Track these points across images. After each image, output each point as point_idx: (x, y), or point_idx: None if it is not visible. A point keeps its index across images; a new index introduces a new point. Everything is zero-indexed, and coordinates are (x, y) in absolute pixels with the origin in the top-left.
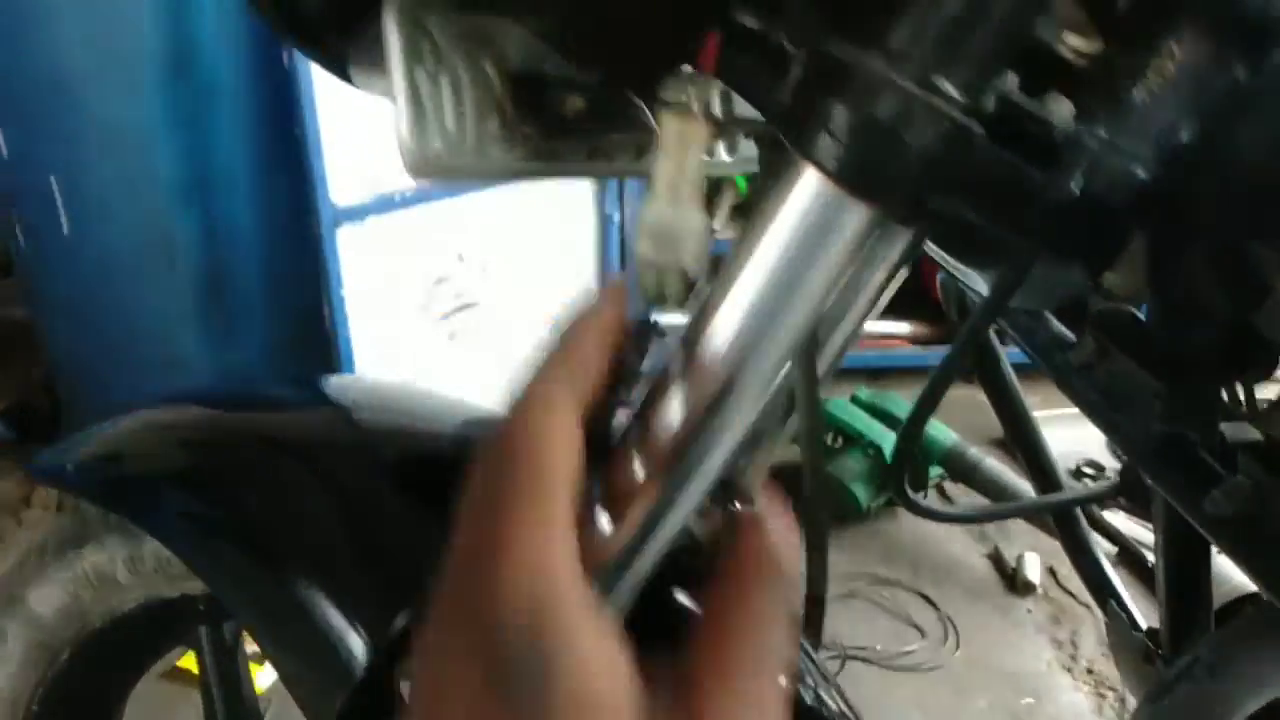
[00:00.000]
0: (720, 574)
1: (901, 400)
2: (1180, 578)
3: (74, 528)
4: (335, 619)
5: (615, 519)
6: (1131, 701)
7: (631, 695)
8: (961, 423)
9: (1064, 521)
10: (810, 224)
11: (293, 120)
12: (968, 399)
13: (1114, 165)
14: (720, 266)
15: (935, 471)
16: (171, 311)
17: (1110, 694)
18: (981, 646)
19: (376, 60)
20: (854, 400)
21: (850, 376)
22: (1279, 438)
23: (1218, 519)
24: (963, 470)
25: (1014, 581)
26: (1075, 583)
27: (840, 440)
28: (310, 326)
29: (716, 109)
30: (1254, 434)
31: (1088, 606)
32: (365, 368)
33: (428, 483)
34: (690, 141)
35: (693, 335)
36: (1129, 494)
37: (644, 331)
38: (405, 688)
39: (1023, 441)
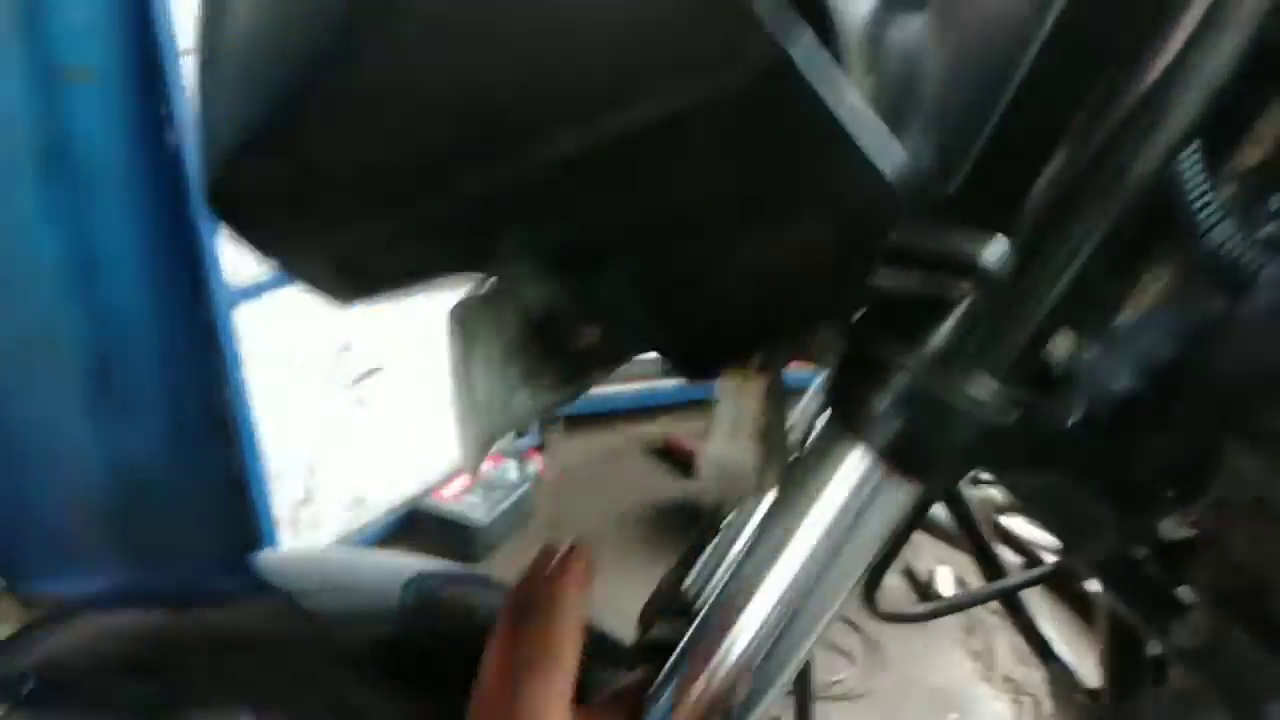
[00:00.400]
0: None
1: None
2: (1118, 648)
3: None
4: None
5: None
6: (1047, 705)
7: None
8: None
9: (1009, 600)
10: (860, 493)
11: (183, 202)
12: None
13: (1101, 384)
14: (762, 531)
15: None
16: (59, 403)
17: (1027, 699)
18: (907, 665)
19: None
20: None
21: None
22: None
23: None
24: None
25: (928, 596)
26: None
27: None
28: (209, 411)
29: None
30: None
31: (998, 615)
32: (271, 449)
33: (386, 667)
34: (747, 394)
35: (731, 603)
36: (1067, 577)
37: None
38: None
39: (970, 532)
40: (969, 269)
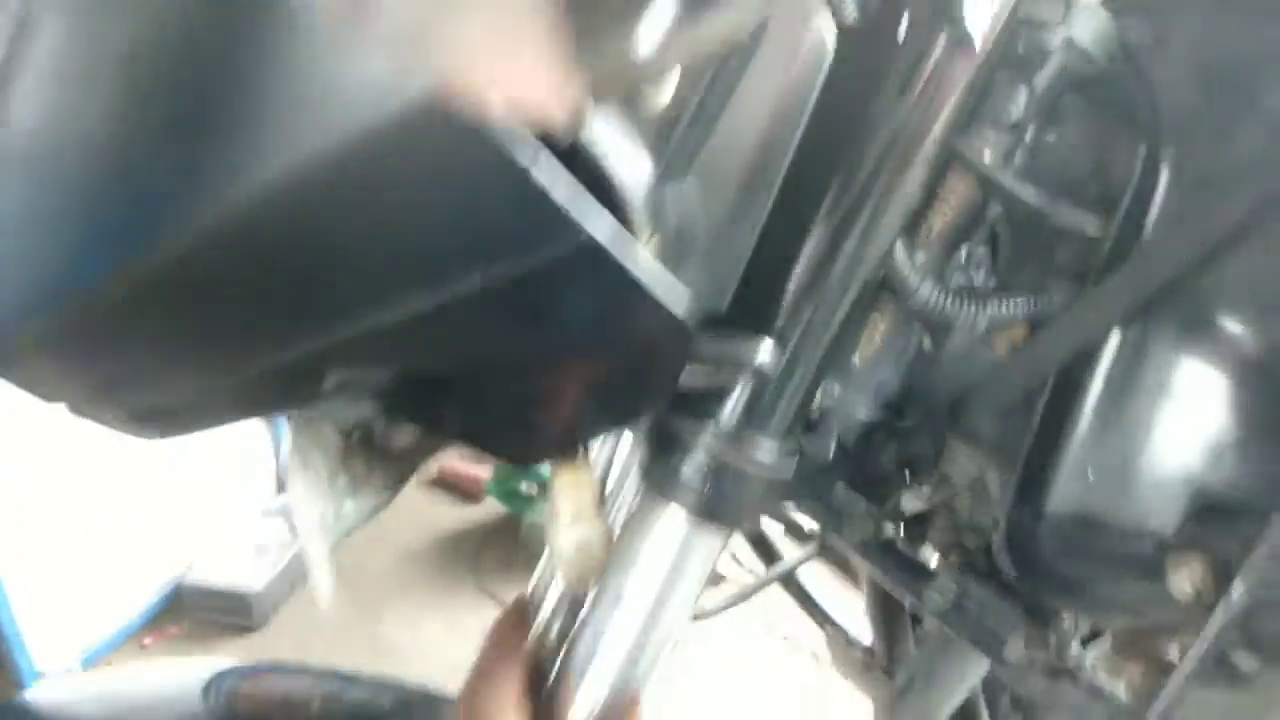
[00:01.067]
0: None
1: None
2: (883, 608)
3: None
4: None
5: None
6: (824, 654)
7: None
8: None
9: (787, 579)
10: (681, 545)
11: None
12: None
13: (848, 416)
14: (600, 593)
15: None
16: None
17: (804, 652)
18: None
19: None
20: None
21: None
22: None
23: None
24: None
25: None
26: (753, 562)
27: (538, 488)
28: None
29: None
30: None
31: (770, 582)
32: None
33: None
34: (581, 484)
35: (578, 650)
36: (827, 554)
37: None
38: None
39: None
40: (746, 366)
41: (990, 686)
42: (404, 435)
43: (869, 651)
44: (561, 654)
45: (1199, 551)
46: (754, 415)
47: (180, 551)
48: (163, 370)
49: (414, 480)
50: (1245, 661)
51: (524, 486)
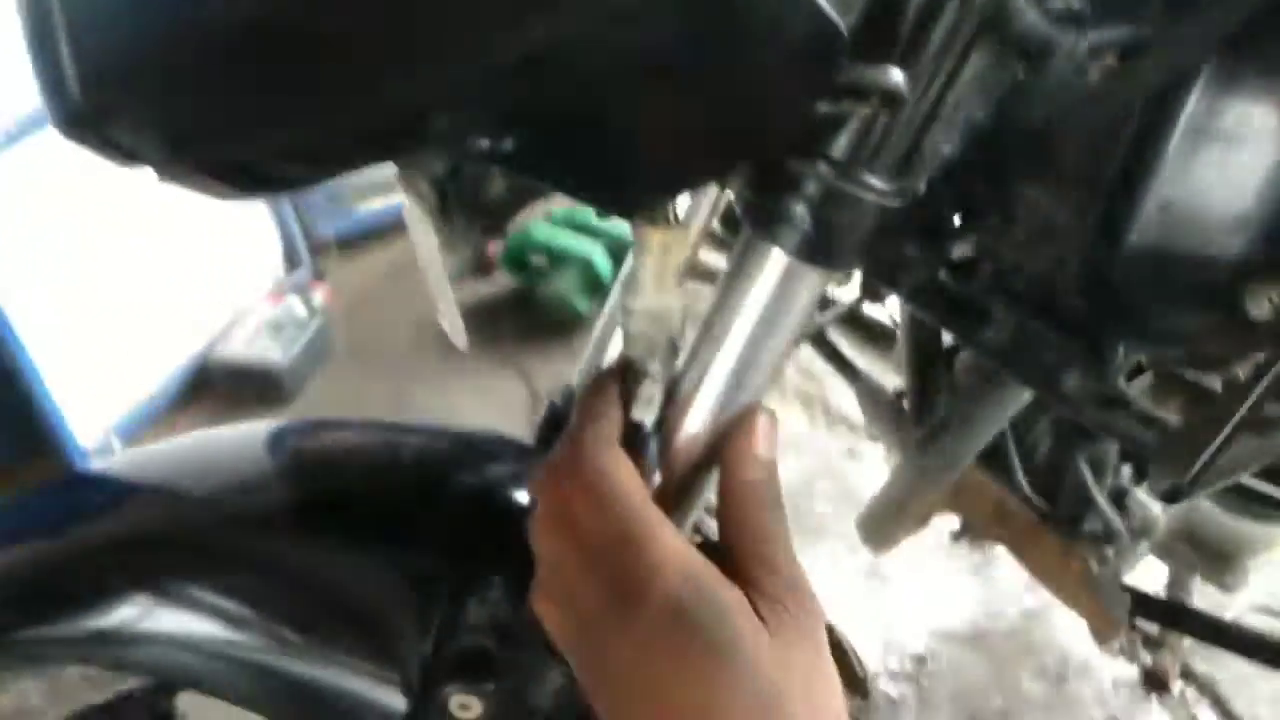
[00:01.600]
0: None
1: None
2: (921, 364)
3: None
4: (347, 664)
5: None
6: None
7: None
8: None
9: (817, 339)
10: (781, 291)
11: None
12: None
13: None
14: (704, 325)
15: None
16: None
17: (817, 406)
18: None
19: None
20: (550, 219)
21: None
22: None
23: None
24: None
25: None
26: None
27: (547, 261)
28: None
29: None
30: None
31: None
32: (32, 342)
33: (299, 522)
34: (672, 244)
35: (684, 386)
36: (871, 296)
37: (635, 377)
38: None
39: None
40: (878, 93)
41: (1017, 428)
42: (496, 186)
43: (898, 402)
44: (660, 401)
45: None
46: (868, 149)
47: (200, 331)
48: (268, 112)
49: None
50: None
51: (535, 259)
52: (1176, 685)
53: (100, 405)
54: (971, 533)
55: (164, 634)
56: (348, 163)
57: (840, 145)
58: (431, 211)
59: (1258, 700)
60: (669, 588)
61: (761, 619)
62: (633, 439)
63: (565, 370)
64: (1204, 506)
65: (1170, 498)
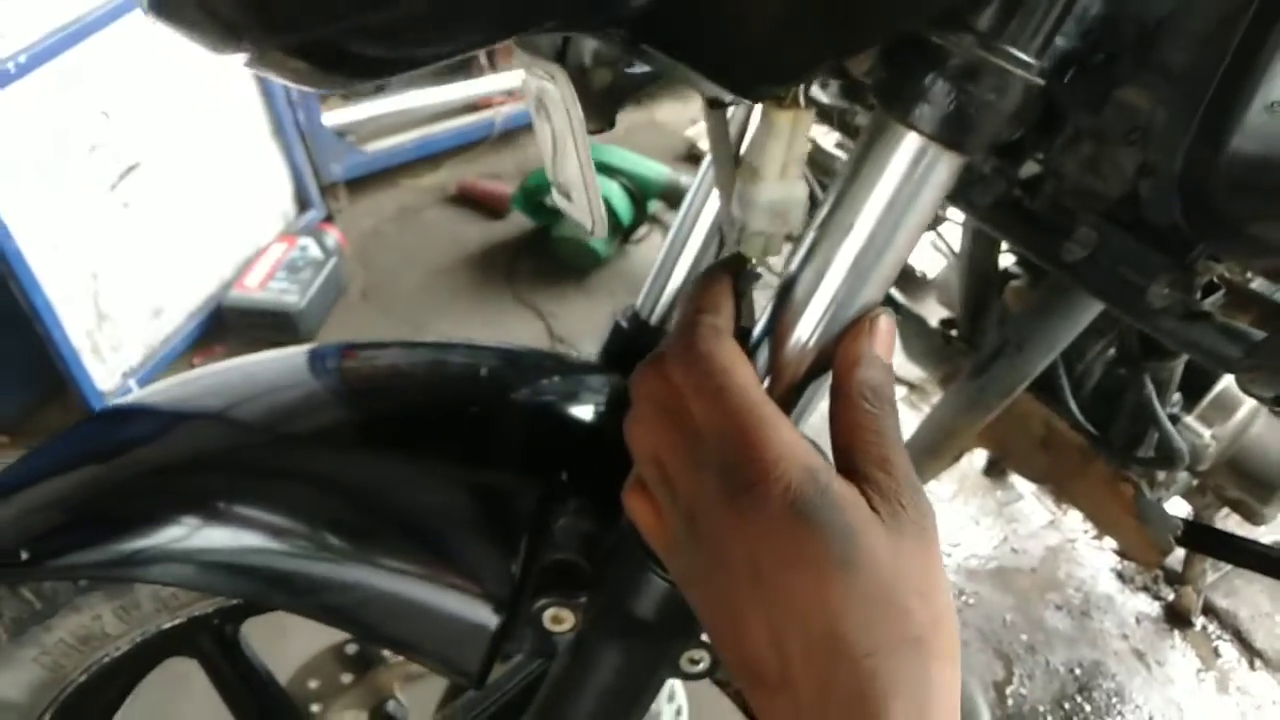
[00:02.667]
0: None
1: (614, 149)
2: (977, 283)
3: (26, 605)
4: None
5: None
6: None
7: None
8: (646, 145)
9: None
10: (912, 176)
11: None
12: (646, 122)
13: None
14: (825, 214)
15: (654, 205)
16: None
17: None
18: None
19: None
20: None
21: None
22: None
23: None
24: (679, 198)
25: None
26: None
27: None
28: None
29: (808, 95)
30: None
31: None
32: (47, 276)
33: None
34: (799, 128)
35: (799, 287)
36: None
37: (748, 278)
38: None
39: None
40: None
41: (1067, 355)
42: (604, 75)
43: (948, 324)
44: (773, 303)
45: None
46: (1012, 23)
47: (214, 274)
48: None
49: (431, 199)
50: None
51: (548, 200)
52: (1198, 620)
53: (117, 349)
54: (1004, 466)
55: (238, 552)
56: (467, 39)
57: (986, 17)
58: (569, 85)
59: (1277, 634)
60: (790, 480)
61: (877, 515)
62: (744, 342)
63: (582, 310)
64: (1252, 434)
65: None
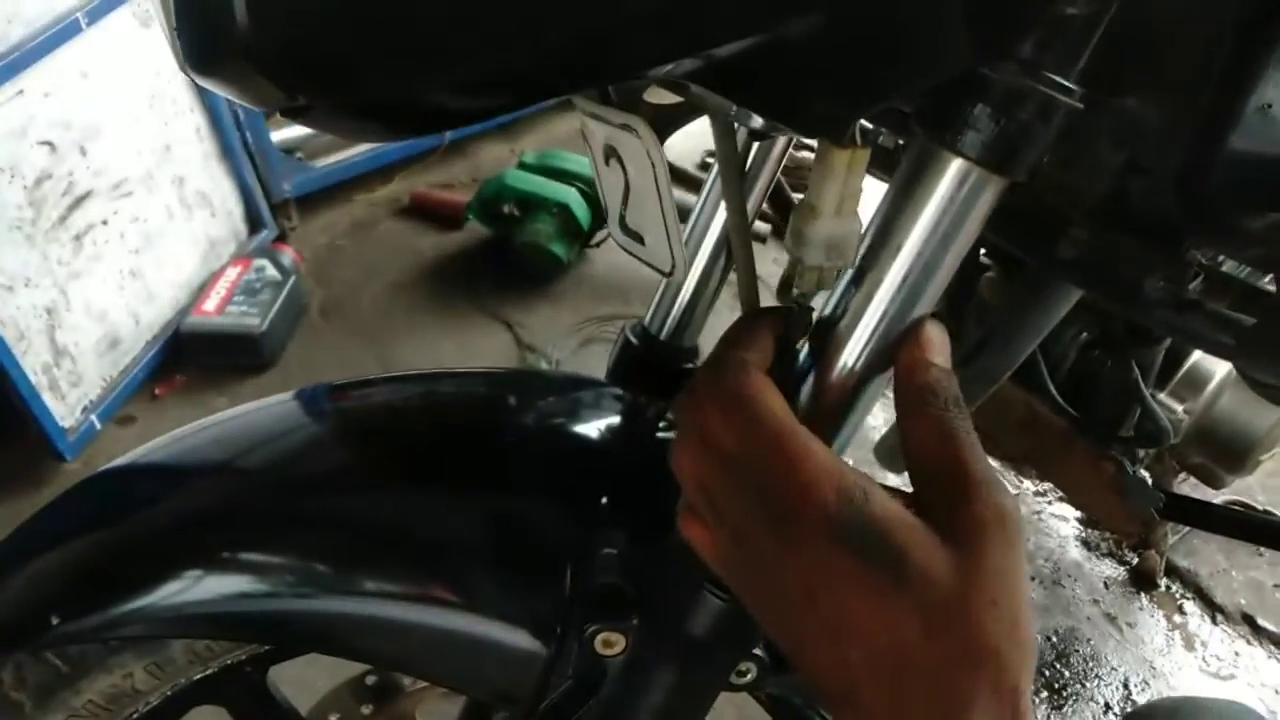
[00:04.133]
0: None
1: (565, 154)
2: (958, 275)
3: (52, 670)
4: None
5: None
6: None
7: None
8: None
9: None
10: (956, 199)
11: None
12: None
13: None
14: (872, 242)
15: None
16: None
17: None
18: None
19: None
20: (522, 166)
21: (488, 139)
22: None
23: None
24: None
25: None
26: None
27: (517, 209)
28: None
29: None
30: None
31: None
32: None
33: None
34: (855, 166)
35: (848, 310)
36: None
37: (798, 317)
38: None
39: None
40: None
41: (1044, 342)
42: (657, 95)
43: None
44: (827, 312)
45: None
46: (1052, 54)
47: (170, 299)
48: (445, 42)
49: (385, 213)
50: None
51: (505, 208)
52: (1162, 581)
53: (76, 384)
54: (987, 448)
55: (273, 599)
56: (548, 91)
57: (1028, 47)
58: (651, 134)
59: (1235, 589)
60: (826, 506)
61: (950, 522)
62: (789, 369)
63: (548, 317)
64: (1221, 405)
65: None
